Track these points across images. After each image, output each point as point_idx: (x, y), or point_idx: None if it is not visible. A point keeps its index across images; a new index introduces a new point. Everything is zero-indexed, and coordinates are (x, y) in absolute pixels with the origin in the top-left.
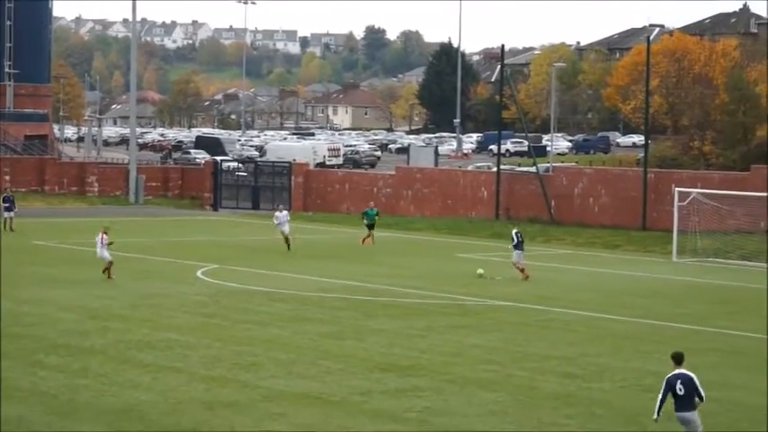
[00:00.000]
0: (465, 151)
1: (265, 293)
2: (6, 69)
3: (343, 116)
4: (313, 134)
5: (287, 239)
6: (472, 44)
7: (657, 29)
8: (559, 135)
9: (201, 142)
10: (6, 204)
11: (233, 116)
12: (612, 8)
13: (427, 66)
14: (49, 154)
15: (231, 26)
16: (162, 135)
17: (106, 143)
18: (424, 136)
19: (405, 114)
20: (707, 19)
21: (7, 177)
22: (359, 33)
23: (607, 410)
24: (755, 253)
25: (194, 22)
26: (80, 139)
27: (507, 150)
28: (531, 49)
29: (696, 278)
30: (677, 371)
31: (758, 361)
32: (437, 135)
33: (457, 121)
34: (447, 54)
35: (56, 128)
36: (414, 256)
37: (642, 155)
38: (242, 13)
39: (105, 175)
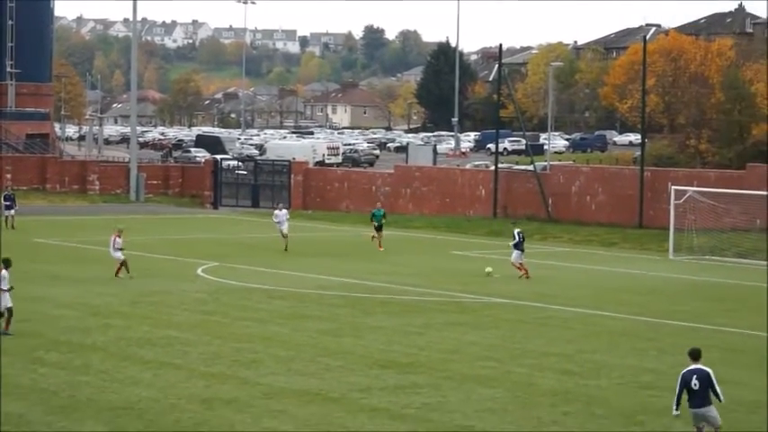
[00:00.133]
0: (463, 150)
1: (265, 291)
2: (8, 69)
3: (342, 115)
4: (312, 133)
5: (285, 239)
6: (470, 44)
7: (654, 28)
8: (557, 134)
9: (202, 141)
10: (7, 202)
11: (233, 115)
12: (609, 8)
13: (425, 65)
14: (50, 152)
15: (231, 26)
16: (162, 134)
17: (107, 142)
18: (422, 135)
19: (403, 113)
20: (703, 19)
21: (9, 176)
22: (358, 33)
23: (605, 408)
24: (751, 251)
25: (194, 22)
26: (81, 138)
27: (505, 149)
28: (529, 48)
29: (692, 276)
30: (693, 366)
31: (756, 358)
32: (435, 134)
33: (455, 119)
34: (445, 53)
35: (57, 127)
36: (412, 253)
37: (639, 153)
38: (242, 13)
39: (106, 174)
